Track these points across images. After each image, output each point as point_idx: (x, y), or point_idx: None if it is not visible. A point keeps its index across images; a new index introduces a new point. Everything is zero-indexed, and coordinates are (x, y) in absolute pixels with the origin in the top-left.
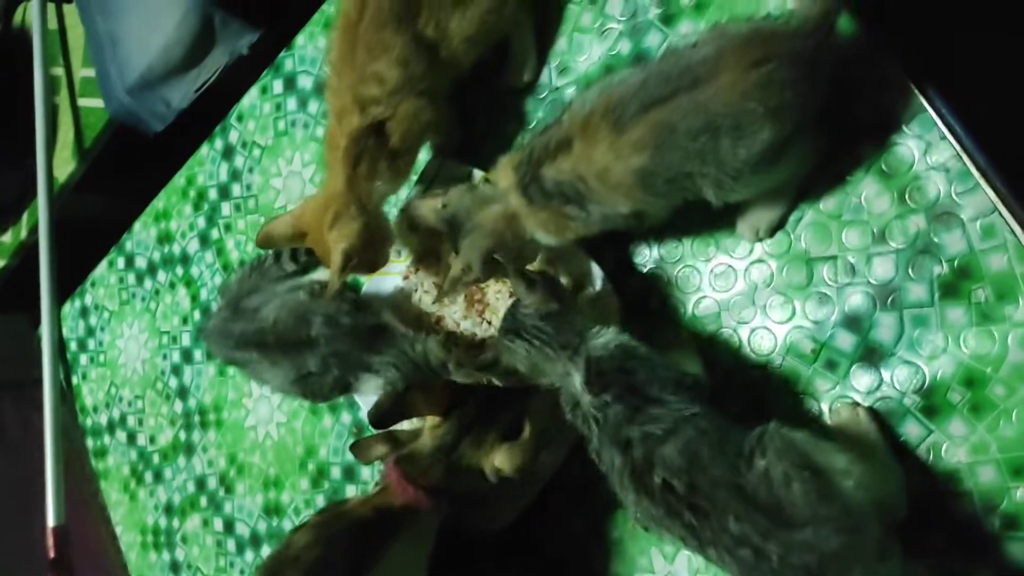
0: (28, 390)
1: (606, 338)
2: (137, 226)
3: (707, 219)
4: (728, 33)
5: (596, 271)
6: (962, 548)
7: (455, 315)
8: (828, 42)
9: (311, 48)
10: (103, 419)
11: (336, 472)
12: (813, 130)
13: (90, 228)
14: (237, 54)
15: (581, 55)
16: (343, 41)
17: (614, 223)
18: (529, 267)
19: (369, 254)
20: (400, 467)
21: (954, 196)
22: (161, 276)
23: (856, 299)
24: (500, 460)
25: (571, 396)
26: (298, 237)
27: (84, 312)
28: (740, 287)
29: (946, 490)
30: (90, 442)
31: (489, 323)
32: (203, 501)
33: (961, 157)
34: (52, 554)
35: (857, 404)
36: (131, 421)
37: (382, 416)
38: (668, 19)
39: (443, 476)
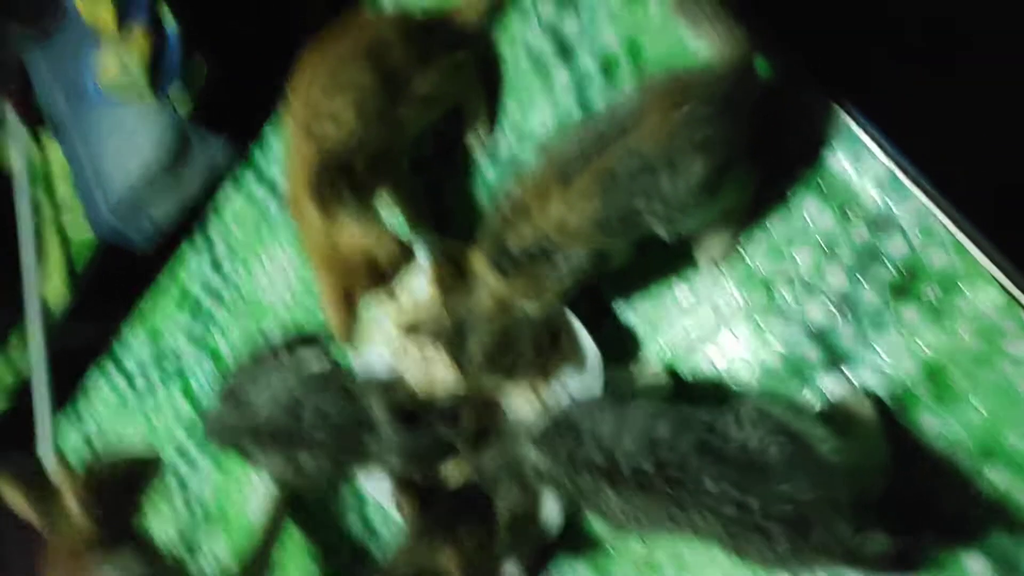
0: None
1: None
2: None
3: (668, 256)
4: (650, 85)
5: (572, 318)
6: (949, 538)
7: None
8: (745, 80)
9: (277, 146)
10: None
11: None
12: (746, 160)
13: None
14: (217, 169)
15: (536, 119)
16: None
17: (582, 269)
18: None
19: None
20: None
21: (890, 204)
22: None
23: (815, 313)
24: None
25: (534, 470)
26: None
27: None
28: (707, 316)
29: (927, 487)
30: None
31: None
32: None
33: (890, 168)
34: None
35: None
36: None
37: None
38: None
39: None
